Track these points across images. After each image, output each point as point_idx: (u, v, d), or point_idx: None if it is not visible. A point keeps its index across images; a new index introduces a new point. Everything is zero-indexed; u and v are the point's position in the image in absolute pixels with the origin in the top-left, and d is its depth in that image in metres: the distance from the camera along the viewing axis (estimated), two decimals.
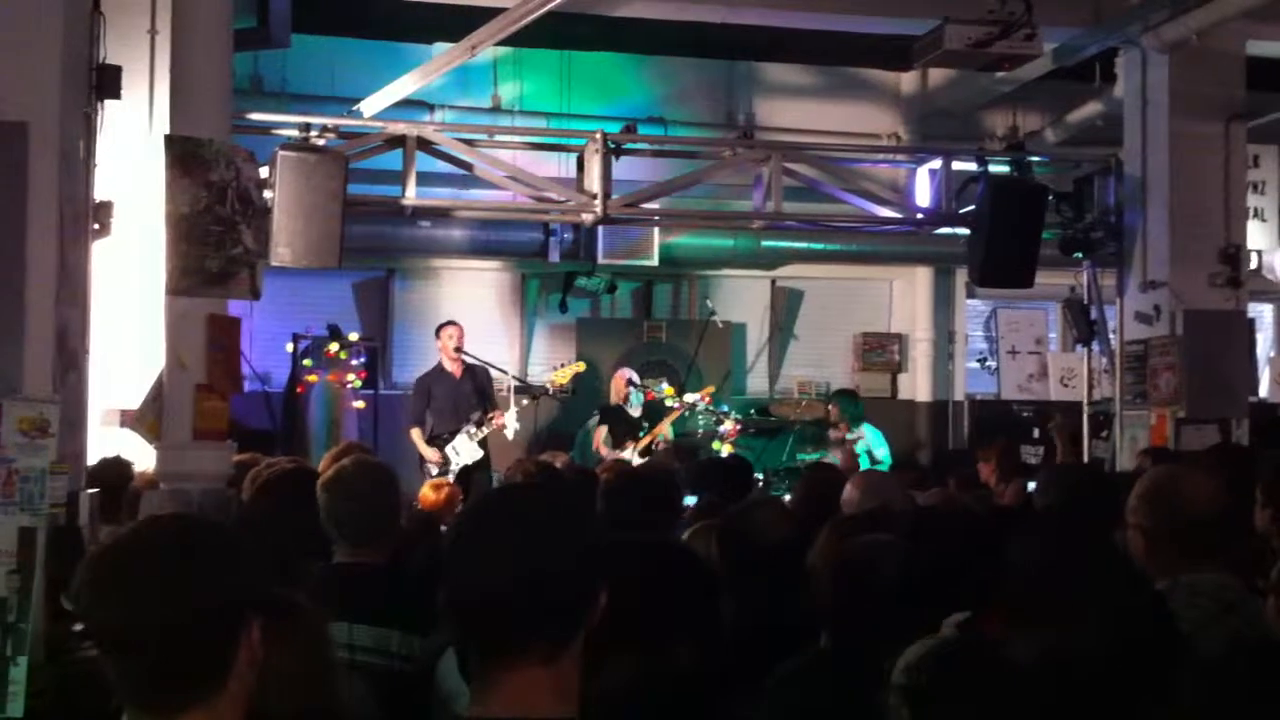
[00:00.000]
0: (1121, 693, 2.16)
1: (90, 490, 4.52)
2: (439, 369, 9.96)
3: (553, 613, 1.89)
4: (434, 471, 9.30)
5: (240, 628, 1.95)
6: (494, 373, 10.77)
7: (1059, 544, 2.70)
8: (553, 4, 8.43)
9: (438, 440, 9.66)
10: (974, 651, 2.18)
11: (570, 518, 1.96)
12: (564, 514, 1.96)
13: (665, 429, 10.45)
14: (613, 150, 9.10)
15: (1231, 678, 1.99)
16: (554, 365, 11.62)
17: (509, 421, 9.99)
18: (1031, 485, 6.31)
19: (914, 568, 2.89)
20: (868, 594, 2.83)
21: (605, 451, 10.15)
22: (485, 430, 9.54)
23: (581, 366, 10.45)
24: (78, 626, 4.00)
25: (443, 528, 6.35)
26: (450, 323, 9.99)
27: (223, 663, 1.93)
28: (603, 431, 10.41)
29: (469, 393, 9.80)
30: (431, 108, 11.20)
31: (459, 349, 9.87)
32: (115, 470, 5.74)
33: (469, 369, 9.92)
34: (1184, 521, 3.12)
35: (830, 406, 11.16)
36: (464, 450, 9.52)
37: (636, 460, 9.54)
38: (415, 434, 9.78)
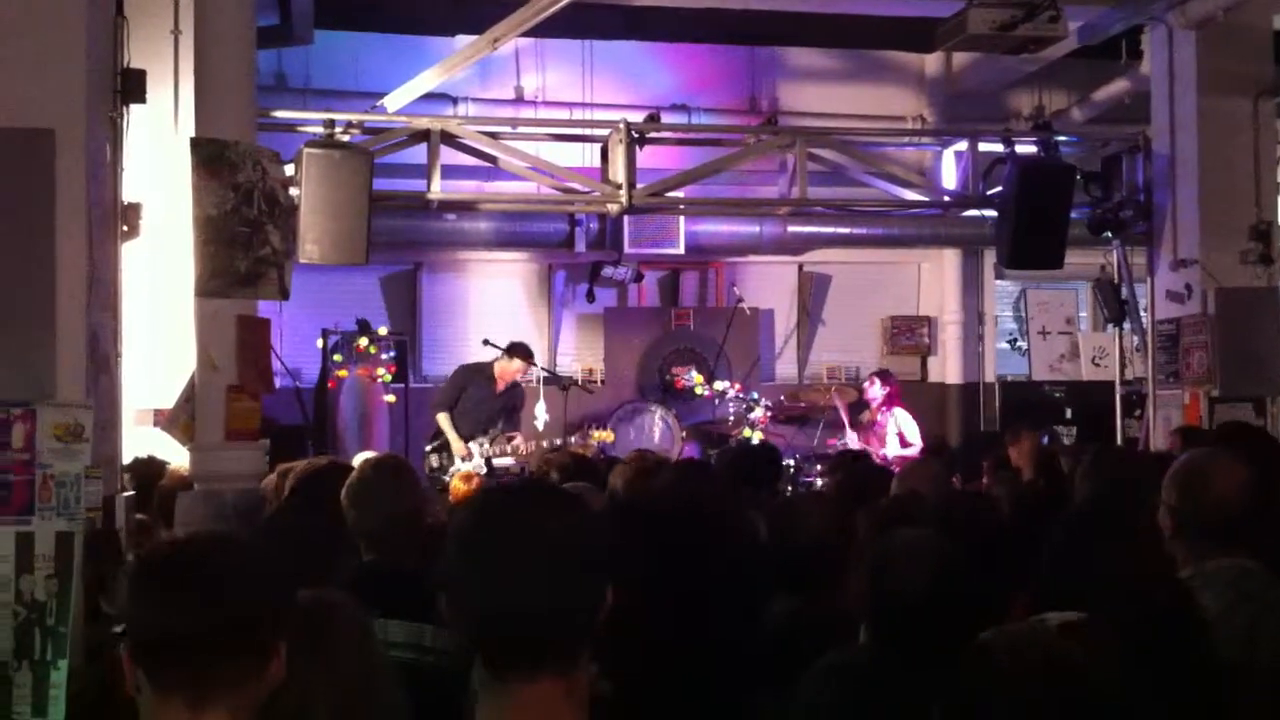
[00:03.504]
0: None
1: (126, 494, 4.55)
2: (486, 373, 9.85)
3: (571, 627, 1.88)
4: (459, 463, 9.31)
5: (278, 639, 2.11)
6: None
7: (1086, 537, 2.69)
8: None
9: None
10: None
11: (575, 537, 1.92)
12: (573, 533, 1.92)
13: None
14: (636, 139, 9.09)
15: None
16: (584, 369, 11.74)
17: (539, 413, 10.01)
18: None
19: (950, 562, 2.88)
20: (903, 590, 2.83)
21: None
22: (497, 449, 9.44)
23: (610, 437, 10.19)
24: (117, 629, 4.05)
25: None
26: (528, 356, 9.84)
27: (260, 665, 2.08)
28: None
29: (499, 408, 9.79)
30: (455, 100, 11.24)
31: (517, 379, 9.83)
32: (148, 468, 5.81)
33: (511, 386, 9.87)
34: (1214, 509, 3.10)
35: (866, 384, 11.20)
36: (476, 456, 9.49)
37: None
38: (444, 420, 9.71)
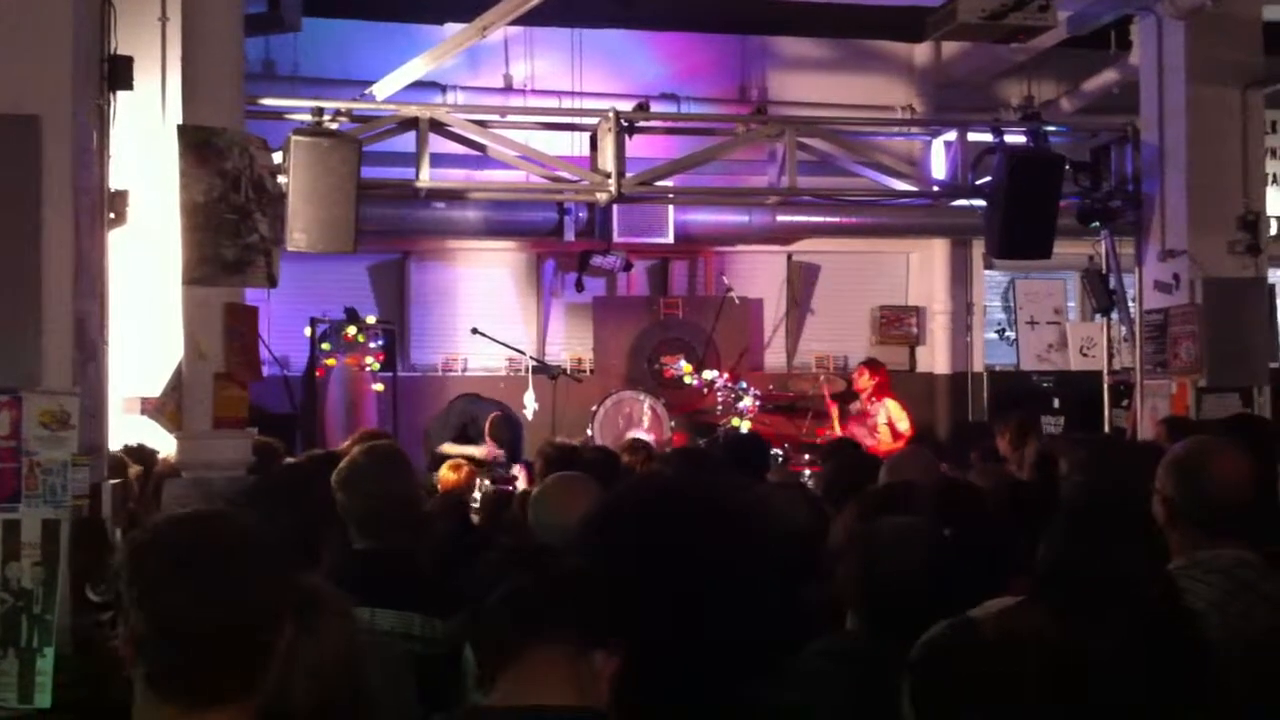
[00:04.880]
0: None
1: (113, 481, 4.53)
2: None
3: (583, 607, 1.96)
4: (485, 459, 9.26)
5: (284, 627, 1.97)
6: (511, 353, 10.88)
7: (1077, 529, 2.69)
8: None
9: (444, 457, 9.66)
10: (964, 638, 2.19)
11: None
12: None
13: None
14: (626, 128, 9.07)
15: None
16: (572, 358, 11.88)
17: (527, 402, 10.00)
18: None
19: (941, 549, 2.89)
20: (894, 577, 2.83)
21: None
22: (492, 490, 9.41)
23: None
24: (104, 617, 4.04)
25: (473, 509, 6.37)
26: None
27: (266, 663, 1.94)
28: None
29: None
30: (443, 89, 11.20)
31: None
32: (141, 454, 5.80)
33: None
34: (1210, 499, 3.09)
35: (855, 374, 11.19)
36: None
37: None
38: (451, 446, 9.72)
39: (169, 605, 1.87)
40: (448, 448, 9.78)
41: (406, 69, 9.11)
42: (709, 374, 11.28)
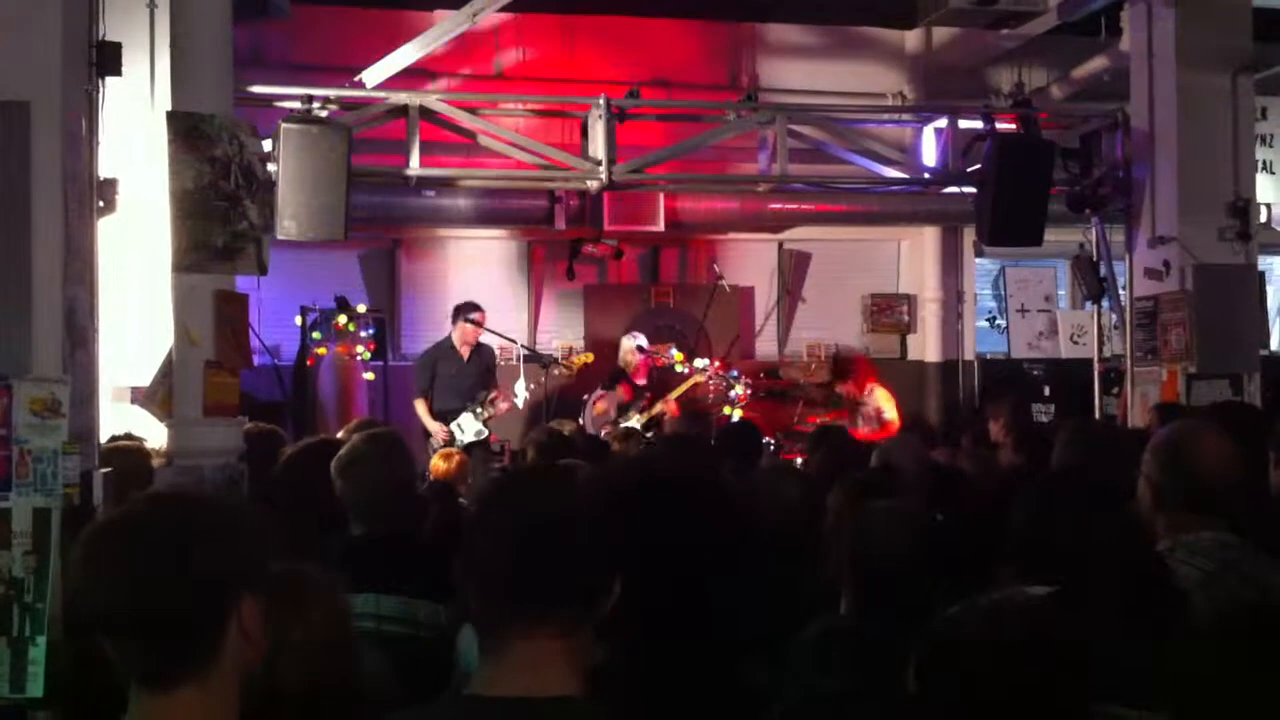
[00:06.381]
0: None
1: (104, 470, 4.52)
2: (448, 347, 10.05)
3: (570, 589, 1.92)
4: (438, 445, 9.35)
5: (228, 606, 1.96)
6: (502, 342, 10.86)
7: (1066, 506, 2.70)
8: None
9: (442, 418, 9.79)
10: (969, 623, 2.19)
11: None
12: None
13: (671, 403, 10.43)
14: (616, 116, 9.06)
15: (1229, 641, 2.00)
16: (564, 347, 11.86)
17: (518, 390, 10.03)
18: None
19: (933, 532, 2.90)
20: (887, 559, 2.84)
21: (603, 410, 10.19)
22: (488, 411, 9.62)
23: (590, 358, 10.49)
24: None
25: (461, 498, 6.37)
26: (478, 309, 10.04)
27: (210, 642, 1.95)
28: (608, 396, 10.43)
29: (473, 373, 9.97)
30: (434, 76, 11.17)
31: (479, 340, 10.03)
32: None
33: (476, 348, 10.05)
34: (1195, 482, 3.10)
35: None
36: (468, 428, 9.65)
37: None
38: (420, 406, 9.92)
39: (80, 601, 1.94)
40: (419, 405, 9.94)
41: (396, 56, 9.08)
42: (700, 362, 11.28)
